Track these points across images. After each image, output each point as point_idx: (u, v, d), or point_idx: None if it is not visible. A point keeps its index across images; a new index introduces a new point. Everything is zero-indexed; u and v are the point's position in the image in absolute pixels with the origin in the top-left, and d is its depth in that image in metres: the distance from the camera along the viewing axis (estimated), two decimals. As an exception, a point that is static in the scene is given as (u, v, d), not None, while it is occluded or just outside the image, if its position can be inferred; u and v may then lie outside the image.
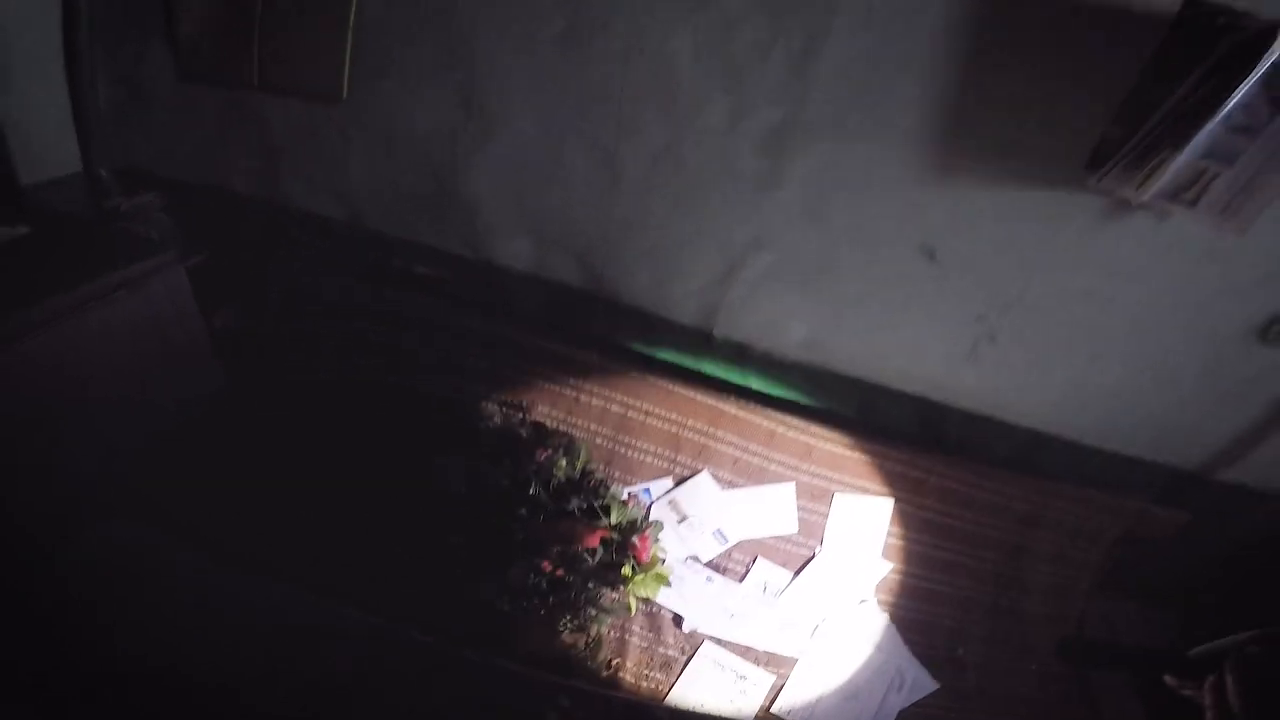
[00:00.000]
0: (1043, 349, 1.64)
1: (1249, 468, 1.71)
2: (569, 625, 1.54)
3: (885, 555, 1.86)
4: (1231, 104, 1.18)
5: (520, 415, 1.84)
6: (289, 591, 1.36)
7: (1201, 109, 1.19)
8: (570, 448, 1.77)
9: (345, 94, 1.63)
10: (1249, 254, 1.41)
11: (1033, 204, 1.45)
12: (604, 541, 1.64)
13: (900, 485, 1.87)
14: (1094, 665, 1.73)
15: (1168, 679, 1.24)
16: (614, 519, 1.68)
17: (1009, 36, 1.33)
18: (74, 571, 1.33)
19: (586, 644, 1.56)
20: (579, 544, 1.60)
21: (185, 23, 1.60)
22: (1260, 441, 1.66)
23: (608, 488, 1.77)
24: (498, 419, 1.80)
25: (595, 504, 1.69)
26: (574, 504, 1.67)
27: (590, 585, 1.58)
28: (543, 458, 1.73)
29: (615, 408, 1.87)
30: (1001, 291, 1.59)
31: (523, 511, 1.62)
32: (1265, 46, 1.13)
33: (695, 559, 1.80)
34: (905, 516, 1.87)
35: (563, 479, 1.71)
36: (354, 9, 1.54)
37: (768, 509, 1.86)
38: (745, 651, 1.67)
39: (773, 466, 1.88)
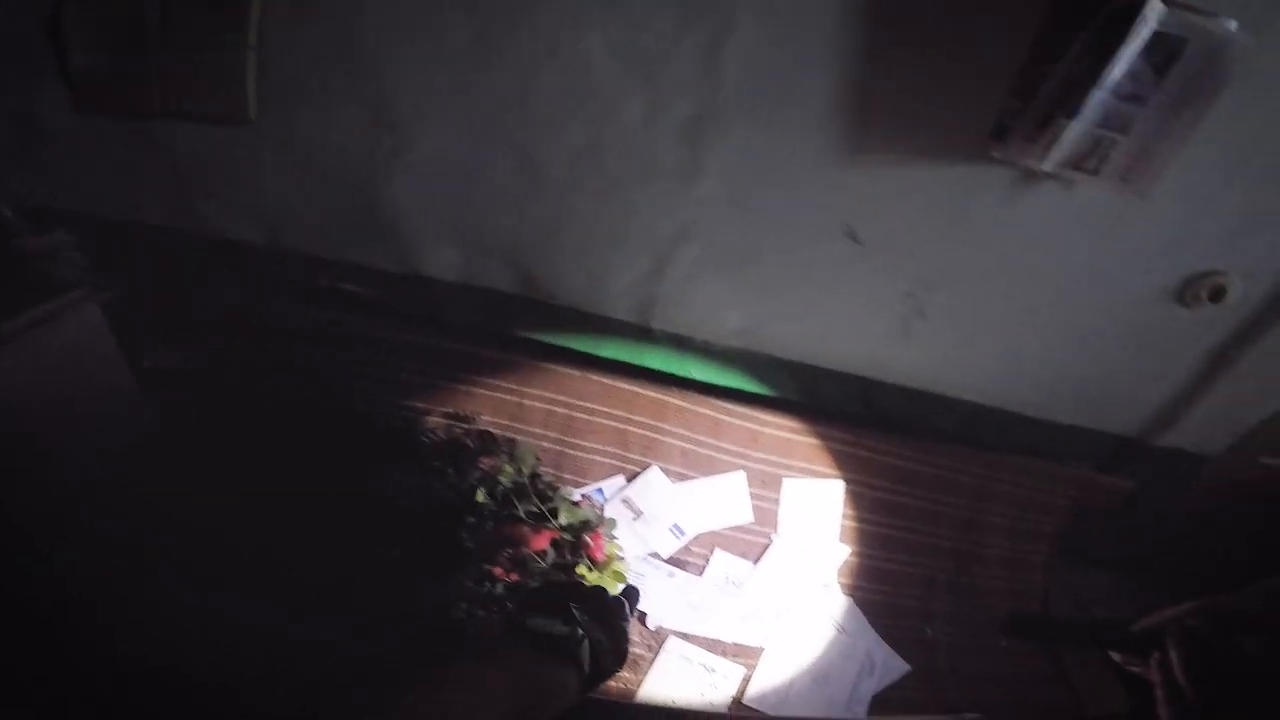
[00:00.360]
0: (972, 321, 1.69)
1: (1184, 432, 1.77)
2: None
3: (842, 538, 1.90)
4: (1113, 73, 1.23)
5: (462, 425, 1.87)
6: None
7: (1087, 78, 1.24)
8: (515, 454, 1.80)
9: (253, 115, 1.64)
10: (1156, 219, 1.46)
11: (946, 179, 1.50)
12: (555, 543, 1.68)
13: (848, 466, 1.91)
14: (1041, 640, 1.77)
15: (1113, 655, 1.29)
16: (564, 520, 1.71)
17: (907, 13, 1.37)
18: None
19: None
20: (528, 547, 1.64)
21: (76, 55, 1.60)
22: (1191, 404, 1.71)
23: (556, 490, 1.80)
24: (439, 431, 1.83)
25: (544, 507, 1.72)
26: (522, 509, 1.70)
27: (546, 587, 1.62)
28: (488, 466, 1.77)
29: (559, 410, 1.90)
30: (925, 267, 1.63)
31: (470, 520, 1.65)
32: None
33: (655, 555, 1.84)
34: (857, 497, 1.91)
35: (510, 485, 1.74)
36: (252, 31, 1.55)
37: (721, 499, 1.90)
38: (712, 644, 1.71)
39: (721, 456, 1.92)
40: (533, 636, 0.98)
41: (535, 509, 1.72)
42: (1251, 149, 1.36)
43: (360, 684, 0.82)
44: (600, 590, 1.14)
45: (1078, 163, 1.35)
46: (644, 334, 1.87)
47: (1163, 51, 1.22)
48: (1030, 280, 1.60)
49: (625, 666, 1.61)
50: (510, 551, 1.63)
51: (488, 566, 1.60)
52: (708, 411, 1.91)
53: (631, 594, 1.27)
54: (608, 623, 1.07)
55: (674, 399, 1.91)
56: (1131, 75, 1.24)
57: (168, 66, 1.61)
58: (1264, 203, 1.42)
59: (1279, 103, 1.30)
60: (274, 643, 1.32)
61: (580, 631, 1.00)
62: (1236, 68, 1.22)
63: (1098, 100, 1.26)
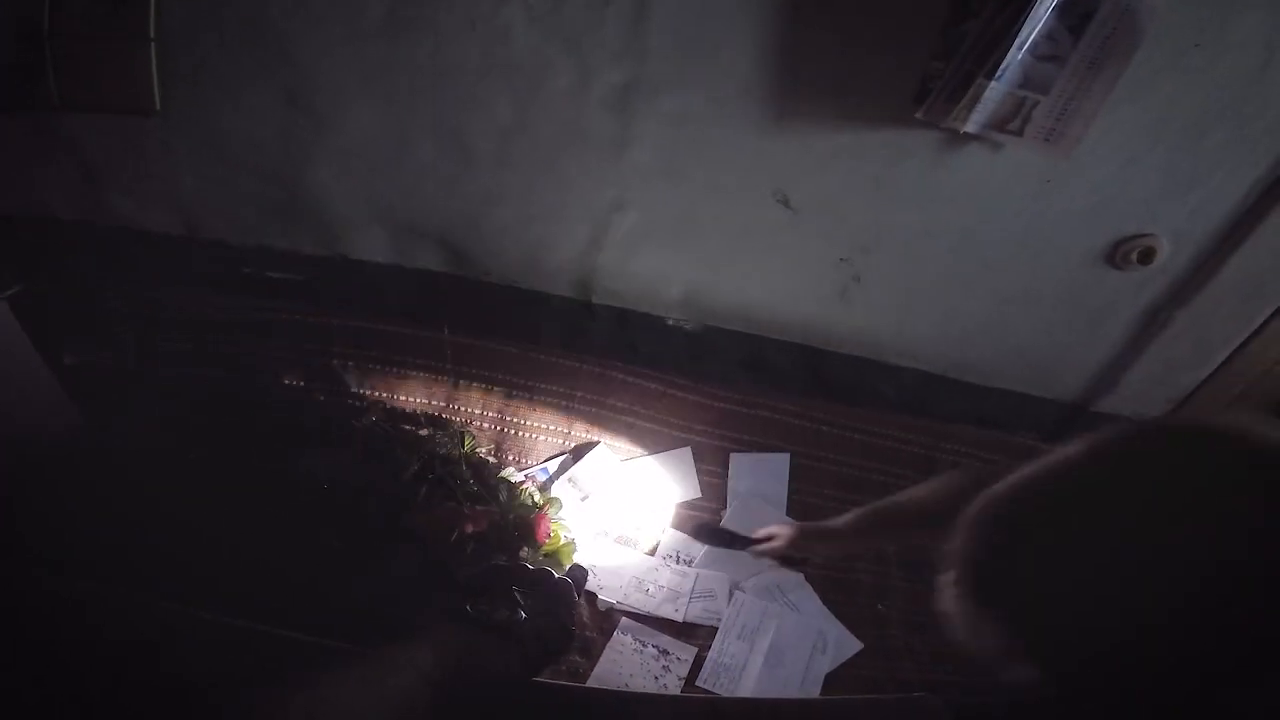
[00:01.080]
0: (909, 286, 1.72)
1: (1124, 396, 1.81)
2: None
3: (791, 512, 1.93)
4: (1029, 33, 1.26)
5: (396, 409, 1.90)
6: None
7: (1002, 39, 1.27)
8: (451, 435, 1.83)
9: (158, 105, 1.65)
10: (1084, 181, 1.50)
11: (873, 143, 1.52)
12: (494, 525, 1.70)
13: (795, 438, 1.94)
14: (711, 544, 1.85)
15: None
16: (504, 501, 1.75)
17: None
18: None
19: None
20: (465, 530, 1.66)
21: (-39, 52, 1.58)
22: (1128, 368, 1.75)
23: (497, 471, 1.83)
24: (372, 415, 1.84)
25: (483, 489, 1.75)
26: (460, 492, 1.73)
27: (484, 571, 1.64)
28: (423, 449, 1.78)
29: (498, 388, 1.92)
30: (858, 231, 1.66)
31: (404, 504, 1.68)
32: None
33: (604, 535, 1.88)
34: (805, 470, 1.94)
35: (446, 468, 1.76)
36: (151, 20, 1.56)
37: (668, 476, 1.94)
38: (664, 625, 1.74)
39: (667, 431, 1.95)
40: (473, 621, 1.01)
41: (473, 491, 1.74)
42: (1171, 110, 1.39)
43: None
44: (544, 573, 1.17)
45: (1001, 124, 1.38)
46: (585, 308, 1.90)
47: (1076, 11, 1.25)
48: (963, 244, 1.63)
49: (576, 650, 1.66)
50: (447, 536, 1.65)
51: (422, 553, 1.62)
52: (652, 385, 1.93)
53: (578, 575, 1.31)
54: (552, 605, 1.10)
55: (617, 374, 1.92)
56: (1048, 35, 1.27)
57: (63, 61, 1.61)
58: (1187, 163, 1.45)
59: (1193, 63, 1.33)
60: (261, 642, 1.31)
61: (522, 615, 1.03)
62: (1149, 28, 1.25)
63: (1016, 61, 1.29)
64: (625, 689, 1.60)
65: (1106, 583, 0.58)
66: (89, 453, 1.74)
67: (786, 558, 1.66)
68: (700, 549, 1.88)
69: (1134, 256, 1.54)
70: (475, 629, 0.99)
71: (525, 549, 1.71)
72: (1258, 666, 0.54)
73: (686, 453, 1.95)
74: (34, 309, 1.72)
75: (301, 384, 1.93)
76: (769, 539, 1.64)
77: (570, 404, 1.94)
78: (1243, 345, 1.65)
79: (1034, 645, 0.62)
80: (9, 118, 1.71)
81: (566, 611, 1.12)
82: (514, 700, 1.02)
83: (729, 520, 1.91)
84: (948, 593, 0.68)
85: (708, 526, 1.85)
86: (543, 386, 1.93)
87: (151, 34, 1.58)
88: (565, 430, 1.95)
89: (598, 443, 1.95)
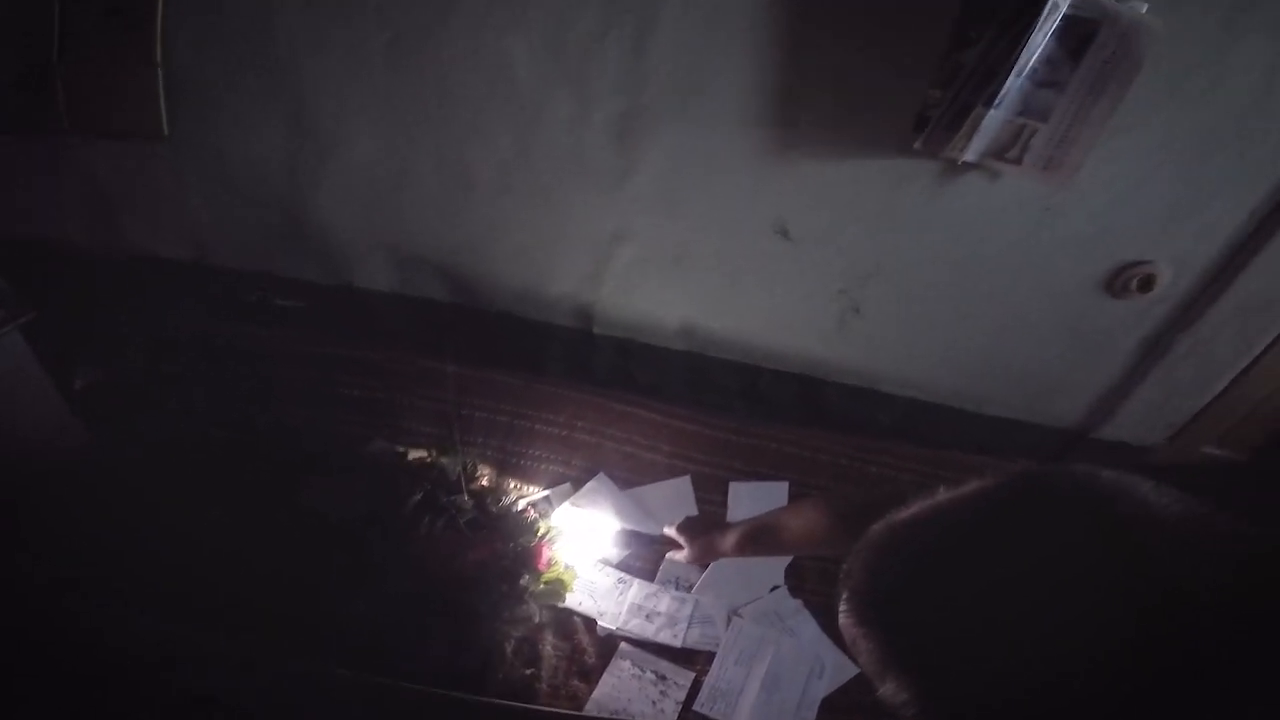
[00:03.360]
0: (907, 316, 1.67)
1: (1123, 424, 1.76)
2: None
3: (788, 537, 1.86)
4: (1028, 59, 1.21)
5: (398, 438, 1.84)
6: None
7: (1002, 66, 1.22)
8: (455, 464, 1.77)
9: (167, 131, 1.61)
10: (1083, 208, 1.44)
11: (872, 172, 1.47)
12: (496, 553, 1.64)
13: (792, 466, 1.88)
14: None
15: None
16: (506, 530, 1.68)
17: (823, 10, 1.34)
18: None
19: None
20: (469, 559, 1.61)
21: (-30, 80, 1.56)
22: (1128, 395, 1.70)
23: (499, 500, 1.77)
24: (375, 444, 1.80)
25: (485, 518, 1.69)
26: (462, 520, 1.67)
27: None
28: (425, 478, 1.73)
29: (501, 418, 1.87)
30: (857, 262, 1.61)
31: (406, 533, 1.62)
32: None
33: (604, 562, 1.80)
34: (802, 498, 1.87)
35: (449, 497, 1.70)
36: (158, 47, 1.53)
37: (668, 504, 1.86)
38: (662, 650, 1.68)
39: (666, 460, 1.89)
40: None
41: (476, 519, 1.68)
42: (1171, 136, 1.34)
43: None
44: None
45: (999, 152, 1.33)
46: (586, 338, 1.85)
47: (1075, 35, 1.20)
48: (962, 273, 1.58)
49: (576, 675, 1.60)
50: (450, 565, 1.59)
51: (425, 581, 1.56)
52: (652, 415, 1.88)
53: None
54: None
55: (617, 404, 1.88)
56: (1047, 60, 1.22)
57: (73, 86, 1.58)
58: (1188, 190, 1.40)
59: (1194, 87, 1.28)
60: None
61: None
62: (1149, 51, 1.19)
63: (1015, 88, 1.24)
64: (623, 714, 1.56)
65: (985, 623, 0.58)
66: (92, 481, 1.68)
67: None
68: (696, 573, 1.80)
69: (1133, 285, 1.49)
70: None
71: (526, 577, 1.64)
72: None
73: (686, 481, 1.88)
74: (46, 335, 1.67)
75: (305, 412, 1.87)
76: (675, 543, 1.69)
77: (571, 433, 1.89)
78: (1244, 371, 1.60)
79: (908, 670, 0.62)
80: (22, 142, 1.69)
81: None
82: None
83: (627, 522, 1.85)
84: (840, 609, 0.68)
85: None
86: (544, 416, 1.88)
87: (158, 60, 1.55)
88: (566, 459, 1.90)
89: (598, 471, 1.88)
